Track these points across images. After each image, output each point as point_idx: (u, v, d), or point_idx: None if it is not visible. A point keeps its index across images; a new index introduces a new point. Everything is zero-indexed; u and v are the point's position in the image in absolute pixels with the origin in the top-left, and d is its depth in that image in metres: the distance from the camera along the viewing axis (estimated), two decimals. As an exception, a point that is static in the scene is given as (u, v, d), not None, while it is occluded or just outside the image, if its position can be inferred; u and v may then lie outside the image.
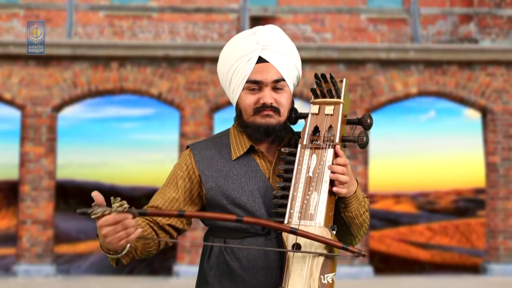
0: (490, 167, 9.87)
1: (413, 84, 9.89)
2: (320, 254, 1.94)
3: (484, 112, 10.00)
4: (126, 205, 1.85)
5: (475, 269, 10.11)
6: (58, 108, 9.77)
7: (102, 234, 1.86)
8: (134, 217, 1.87)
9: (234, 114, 2.20)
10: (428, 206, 10.88)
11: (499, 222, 9.72)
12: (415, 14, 10.18)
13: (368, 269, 9.58)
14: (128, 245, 1.95)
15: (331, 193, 2.00)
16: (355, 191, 2.07)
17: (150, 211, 1.94)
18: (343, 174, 1.98)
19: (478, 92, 9.89)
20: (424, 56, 9.84)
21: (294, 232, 1.91)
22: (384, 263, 10.27)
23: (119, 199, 1.85)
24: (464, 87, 9.90)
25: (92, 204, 1.85)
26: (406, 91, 9.91)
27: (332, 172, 1.98)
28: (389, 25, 12.69)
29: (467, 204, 10.79)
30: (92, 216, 1.83)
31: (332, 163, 2.01)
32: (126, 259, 2.02)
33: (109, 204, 1.86)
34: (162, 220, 2.10)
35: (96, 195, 1.85)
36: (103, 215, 1.83)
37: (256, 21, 11.05)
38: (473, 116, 10.40)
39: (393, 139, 10.55)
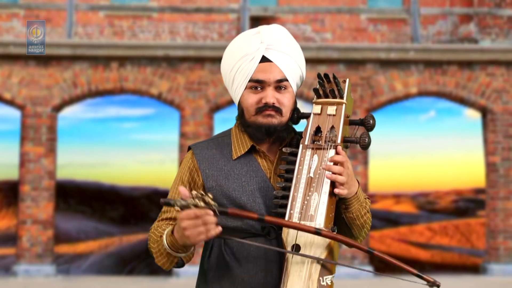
0: (490, 167, 9.87)
1: (413, 84, 9.89)
2: (319, 259, 1.93)
3: (484, 112, 10.00)
4: (211, 201, 1.85)
5: (475, 269, 10.11)
6: (58, 108, 9.77)
7: (182, 226, 1.86)
8: (215, 214, 1.86)
9: (234, 114, 2.19)
10: (428, 206, 10.87)
11: (499, 222, 9.72)
12: (415, 14, 10.18)
13: (368, 269, 9.57)
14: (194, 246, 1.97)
15: (331, 194, 1.99)
16: (356, 192, 2.05)
17: (231, 211, 1.92)
18: (340, 174, 1.97)
19: (478, 92, 9.89)
20: (424, 56, 9.84)
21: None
22: (384, 263, 10.21)
23: (209, 196, 1.85)
24: (464, 87, 9.90)
25: (178, 198, 1.87)
26: (406, 91, 9.91)
27: (329, 171, 1.97)
28: (389, 25, 12.69)
29: (467, 204, 10.78)
30: (176, 206, 1.84)
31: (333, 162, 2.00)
32: (187, 259, 2.05)
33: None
34: None
35: (182, 190, 1.86)
36: (185, 208, 1.84)
37: (256, 21, 11.06)
38: (473, 116, 10.40)
39: (393, 139, 10.55)
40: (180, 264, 2.07)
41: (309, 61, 9.66)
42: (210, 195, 1.85)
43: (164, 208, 2.15)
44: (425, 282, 1.95)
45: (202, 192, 1.85)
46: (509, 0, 11.59)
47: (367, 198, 2.17)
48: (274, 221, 1.94)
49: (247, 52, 2.09)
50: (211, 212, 1.85)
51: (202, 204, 1.83)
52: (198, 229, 1.85)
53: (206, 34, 12.55)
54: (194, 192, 1.85)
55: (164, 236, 2.00)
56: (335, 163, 1.98)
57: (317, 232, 1.90)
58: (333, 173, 1.97)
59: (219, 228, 1.87)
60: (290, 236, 1.97)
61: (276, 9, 11.58)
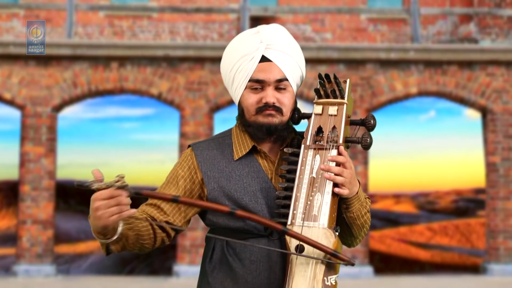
0: (490, 167, 9.86)
1: (413, 84, 9.89)
2: (323, 260, 1.93)
3: (484, 112, 10.00)
4: (125, 182, 1.83)
5: (475, 269, 10.11)
6: (58, 108, 9.77)
7: (94, 207, 1.85)
8: (129, 195, 1.85)
9: (234, 114, 2.19)
10: (428, 206, 10.88)
11: (499, 222, 9.72)
12: (415, 14, 10.18)
13: (368, 269, 9.58)
14: (119, 230, 1.93)
15: (334, 194, 1.99)
16: (357, 192, 2.05)
17: (145, 192, 1.90)
18: (340, 174, 1.97)
19: (478, 92, 9.89)
20: (424, 56, 9.84)
21: (284, 232, 1.91)
22: (384, 263, 10.27)
23: (122, 176, 1.84)
24: (464, 87, 9.90)
25: (90, 179, 1.84)
26: (406, 91, 9.91)
27: (329, 172, 1.97)
28: (389, 25, 12.69)
29: (467, 204, 10.79)
30: (90, 187, 1.81)
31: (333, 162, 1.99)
32: (116, 247, 1.99)
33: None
34: (160, 217, 2.09)
35: (96, 172, 1.85)
36: (98, 189, 1.82)
37: (256, 21, 11.05)
38: (473, 116, 10.40)
39: (393, 139, 10.55)
40: (111, 251, 2.02)
41: (309, 61, 9.65)
42: (122, 176, 1.83)
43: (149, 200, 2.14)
44: (341, 262, 1.94)
45: (120, 175, 1.83)
46: (509, 0, 11.59)
47: (368, 198, 2.17)
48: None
49: (247, 51, 2.08)
50: (126, 193, 1.84)
51: (117, 184, 1.82)
52: (111, 209, 1.84)
53: (206, 34, 12.55)
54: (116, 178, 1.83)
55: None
56: (337, 164, 1.98)
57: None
58: (334, 174, 1.97)
59: (133, 210, 1.87)
60: (293, 238, 1.97)
61: (276, 9, 11.58)
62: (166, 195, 1.96)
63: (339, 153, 2.01)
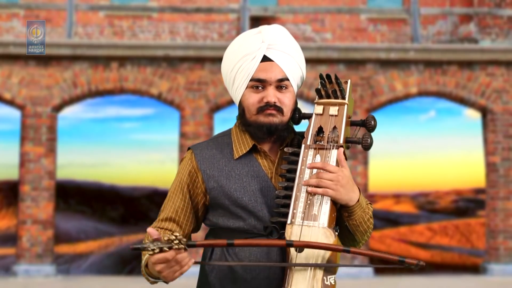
0: (490, 167, 9.87)
1: (413, 84, 9.89)
2: (321, 266, 1.93)
3: (484, 112, 10.00)
4: (177, 242, 1.84)
5: (475, 269, 10.11)
6: (58, 108, 9.77)
7: (156, 270, 1.89)
8: (185, 250, 1.88)
9: (234, 114, 2.19)
10: (428, 206, 10.87)
11: (499, 222, 9.72)
12: (415, 14, 10.18)
13: (368, 269, 9.58)
14: None
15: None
16: (358, 199, 2.04)
17: (198, 243, 1.93)
18: (331, 180, 1.96)
19: (478, 92, 9.89)
20: (424, 56, 9.84)
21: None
22: (384, 263, 10.25)
23: (175, 236, 1.85)
24: (464, 87, 9.90)
25: (146, 240, 1.89)
26: (406, 91, 9.91)
27: (320, 178, 1.97)
28: (389, 25, 12.69)
29: (467, 204, 10.78)
30: (148, 249, 1.83)
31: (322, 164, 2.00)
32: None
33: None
34: (178, 229, 2.15)
35: (151, 231, 1.86)
36: (159, 252, 1.85)
37: (256, 21, 11.06)
38: (473, 116, 10.40)
39: (393, 139, 10.55)
40: (161, 280, 2.06)
41: (309, 61, 9.67)
42: (176, 234, 1.83)
43: (162, 207, 2.17)
44: (411, 266, 1.94)
45: (169, 235, 1.83)
46: (509, 0, 11.59)
47: (369, 203, 2.16)
48: (242, 243, 1.95)
49: (248, 51, 2.09)
50: (181, 251, 1.85)
51: (172, 245, 1.83)
52: (173, 269, 1.88)
53: (206, 34, 12.55)
54: (158, 242, 1.83)
55: (143, 267, 2.04)
56: (328, 171, 1.98)
57: (288, 244, 1.90)
58: (324, 182, 1.98)
59: (192, 260, 1.90)
60: (293, 236, 1.97)
61: (276, 9, 11.58)
62: (220, 241, 1.96)
63: (337, 155, 2.02)
